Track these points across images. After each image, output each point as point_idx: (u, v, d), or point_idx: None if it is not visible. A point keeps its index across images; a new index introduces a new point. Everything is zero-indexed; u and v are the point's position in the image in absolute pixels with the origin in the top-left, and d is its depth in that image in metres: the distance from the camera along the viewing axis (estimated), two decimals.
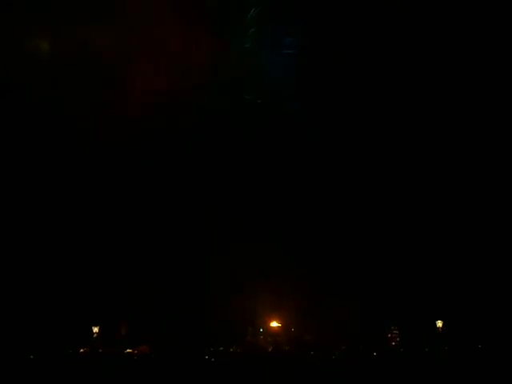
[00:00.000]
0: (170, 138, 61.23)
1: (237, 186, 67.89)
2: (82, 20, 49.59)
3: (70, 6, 48.19)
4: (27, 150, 58.79)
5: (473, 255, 62.86)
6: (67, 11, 48.39)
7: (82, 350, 65.96)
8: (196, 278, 64.90)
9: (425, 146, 65.41)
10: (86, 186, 63.26)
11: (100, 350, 66.97)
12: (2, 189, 57.09)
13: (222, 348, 75.71)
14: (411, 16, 56.52)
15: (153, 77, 54.11)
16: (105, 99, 54.11)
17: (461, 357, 47.08)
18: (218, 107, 57.94)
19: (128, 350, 72.78)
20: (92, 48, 51.06)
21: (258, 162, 67.16)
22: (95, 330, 55.89)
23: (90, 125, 53.22)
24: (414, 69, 60.59)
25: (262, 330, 77.98)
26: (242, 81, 58.17)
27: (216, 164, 65.99)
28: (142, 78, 53.62)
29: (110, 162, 61.18)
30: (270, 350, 69.91)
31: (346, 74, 61.25)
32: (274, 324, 78.50)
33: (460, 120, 62.33)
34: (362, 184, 69.56)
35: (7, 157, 57.11)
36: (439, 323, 54.63)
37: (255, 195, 68.77)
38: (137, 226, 67.01)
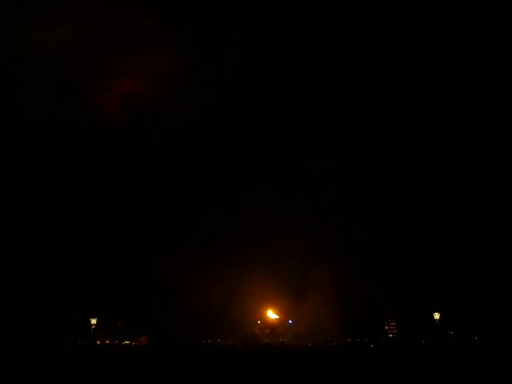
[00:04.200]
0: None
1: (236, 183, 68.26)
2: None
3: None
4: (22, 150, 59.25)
5: (470, 249, 62.79)
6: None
7: (79, 342, 66.34)
8: (192, 272, 64.96)
9: (426, 145, 65.76)
10: (84, 186, 64.03)
11: (98, 342, 67.27)
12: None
13: (219, 340, 76.08)
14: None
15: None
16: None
17: (458, 349, 46.97)
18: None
19: (126, 342, 73.22)
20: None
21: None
22: (93, 321, 55.71)
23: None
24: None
25: (259, 322, 78.28)
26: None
27: (213, 162, 66.49)
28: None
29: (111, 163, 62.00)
30: (266, 341, 69.92)
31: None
32: (272, 316, 78.73)
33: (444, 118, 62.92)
34: (362, 180, 69.73)
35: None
36: (436, 315, 54.35)
37: (251, 193, 68.88)
38: (135, 223, 67.60)
